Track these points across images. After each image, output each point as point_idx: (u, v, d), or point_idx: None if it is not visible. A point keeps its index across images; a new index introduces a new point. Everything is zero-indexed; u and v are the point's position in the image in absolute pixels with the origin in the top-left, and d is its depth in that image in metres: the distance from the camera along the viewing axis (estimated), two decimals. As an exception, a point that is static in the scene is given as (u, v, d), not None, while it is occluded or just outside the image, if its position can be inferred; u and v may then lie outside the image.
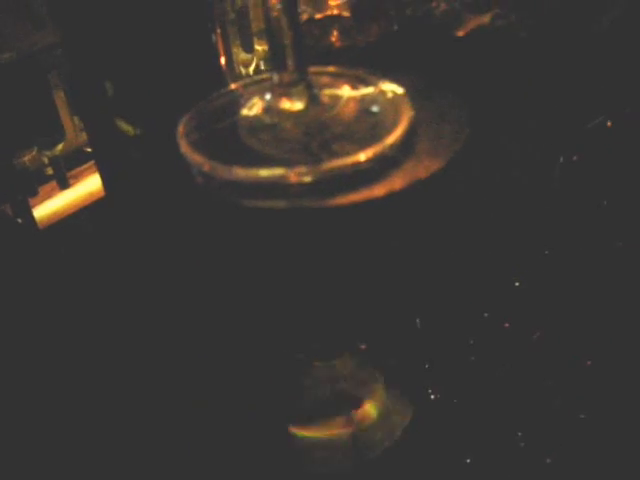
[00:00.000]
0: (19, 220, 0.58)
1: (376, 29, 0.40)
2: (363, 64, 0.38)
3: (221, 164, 0.32)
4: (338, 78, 0.37)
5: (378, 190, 0.30)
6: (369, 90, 0.36)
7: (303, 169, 0.30)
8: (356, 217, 0.31)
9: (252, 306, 0.40)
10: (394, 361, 0.48)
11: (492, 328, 0.49)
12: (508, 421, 0.42)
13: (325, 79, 0.37)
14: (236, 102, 0.37)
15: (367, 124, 0.34)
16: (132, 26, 0.38)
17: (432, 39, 0.39)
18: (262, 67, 0.60)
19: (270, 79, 0.36)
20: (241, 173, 0.31)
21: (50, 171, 0.60)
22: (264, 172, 0.31)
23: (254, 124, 0.35)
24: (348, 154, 0.31)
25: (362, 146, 0.31)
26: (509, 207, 0.59)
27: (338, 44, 0.42)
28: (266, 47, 0.59)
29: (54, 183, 0.60)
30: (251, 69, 0.61)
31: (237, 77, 0.58)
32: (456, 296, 0.52)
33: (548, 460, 0.40)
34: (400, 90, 0.36)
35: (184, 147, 0.34)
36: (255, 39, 0.61)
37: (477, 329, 0.49)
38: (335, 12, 0.46)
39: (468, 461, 0.40)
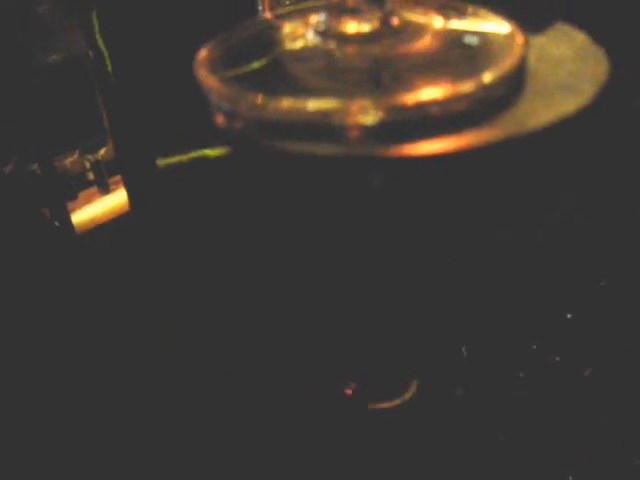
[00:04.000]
0: (57, 223, 0.57)
1: None
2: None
3: (258, 96, 0.23)
4: (427, 5, 0.29)
5: (471, 139, 0.22)
6: (464, 20, 0.28)
7: (368, 102, 0.22)
8: (435, 175, 0.24)
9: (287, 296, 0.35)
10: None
11: (541, 361, 0.47)
12: (558, 461, 0.40)
13: (406, 3, 0.29)
14: (276, 28, 0.29)
15: (459, 56, 0.26)
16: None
17: None
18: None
19: (321, 6, 0.27)
20: (278, 106, 0.23)
21: (92, 176, 0.60)
22: (312, 105, 0.22)
23: (303, 51, 0.27)
24: (434, 87, 0.22)
25: (453, 80, 0.23)
26: (564, 233, 0.56)
27: None
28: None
29: (94, 188, 0.60)
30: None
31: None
32: (504, 325, 0.49)
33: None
34: (506, 19, 0.27)
35: (204, 76, 0.26)
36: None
37: (526, 361, 0.46)
38: None
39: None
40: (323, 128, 0.22)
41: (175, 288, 0.51)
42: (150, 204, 0.47)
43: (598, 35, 0.26)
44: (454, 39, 0.26)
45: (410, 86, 0.23)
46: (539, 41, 0.26)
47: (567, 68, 0.25)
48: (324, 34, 0.26)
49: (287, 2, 0.59)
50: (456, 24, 0.27)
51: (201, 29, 0.30)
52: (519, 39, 0.24)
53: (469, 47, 0.26)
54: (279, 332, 0.40)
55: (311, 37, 0.27)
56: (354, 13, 0.25)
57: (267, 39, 0.28)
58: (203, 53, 0.27)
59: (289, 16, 0.29)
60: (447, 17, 0.27)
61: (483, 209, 0.38)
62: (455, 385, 0.47)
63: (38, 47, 0.56)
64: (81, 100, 0.57)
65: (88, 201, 0.59)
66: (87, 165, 0.60)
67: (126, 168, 0.47)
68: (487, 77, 0.23)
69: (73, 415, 0.45)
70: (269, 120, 0.23)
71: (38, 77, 0.56)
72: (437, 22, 0.26)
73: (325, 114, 0.22)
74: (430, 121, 0.22)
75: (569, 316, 0.51)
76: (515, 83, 0.23)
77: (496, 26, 0.26)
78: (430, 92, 0.22)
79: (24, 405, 0.46)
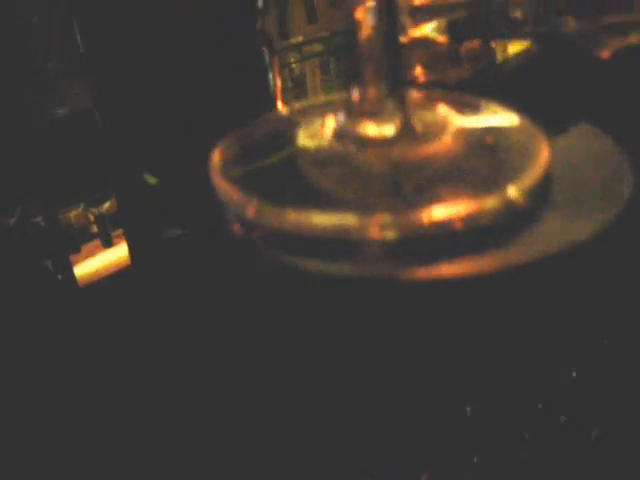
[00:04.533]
0: (59, 276, 0.57)
1: (479, 59, 0.32)
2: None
3: (269, 205, 0.23)
4: (441, 102, 0.28)
5: (495, 260, 0.21)
6: (483, 118, 0.27)
7: (388, 218, 0.21)
8: (457, 301, 0.23)
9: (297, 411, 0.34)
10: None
11: (547, 421, 0.46)
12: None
13: (422, 101, 0.28)
14: (292, 126, 0.28)
15: (480, 160, 0.25)
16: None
17: (561, 62, 0.30)
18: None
19: (343, 100, 0.26)
20: (293, 219, 0.22)
21: (95, 229, 0.60)
22: (328, 219, 0.21)
23: (319, 154, 0.26)
24: (458, 200, 0.21)
25: (478, 191, 0.22)
26: (567, 290, 0.56)
27: (422, 79, 0.33)
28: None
29: (98, 241, 0.60)
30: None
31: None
32: (509, 385, 0.49)
33: None
34: (527, 119, 0.26)
35: (219, 181, 0.25)
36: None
37: (530, 422, 0.46)
38: (424, 35, 0.36)
39: None
40: (337, 244, 0.21)
41: (176, 344, 0.51)
42: (152, 260, 0.47)
43: (623, 138, 0.26)
44: (474, 140, 0.25)
45: (431, 197, 0.22)
46: (561, 143, 0.25)
47: (592, 176, 0.24)
48: (342, 136, 0.25)
49: (292, 59, 0.60)
50: (474, 122, 0.26)
51: (213, 110, 0.30)
52: (544, 150, 0.23)
53: (490, 149, 0.25)
54: (278, 424, 0.39)
55: (329, 138, 0.25)
56: (373, 114, 0.24)
57: (283, 138, 0.27)
58: (216, 156, 0.26)
59: (306, 112, 0.28)
60: (462, 114, 0.26)
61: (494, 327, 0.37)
62: (459, 449, 0.46)
63: (45, 101, 0.56)
64: (86, 154, 0.57)
65: (91, 254, 0.59)
66: (91, 218, 0.60)
67: (128, 226, 0.47)
68: (512, 191, 0.22)
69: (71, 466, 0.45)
70: (291, 234, 0.22)
71: (44, 131, 0.56)
72: (456, 121, 0.26)
73: (340, 230, 0.21)
74: (451, 238, 0.21)
75: (574, 375, 0.51)
76: (539, 196, 0.22)
77: (516, 125, 0.25)
78: (453, 208, 0.21)
79: (25, 454, 0.45)
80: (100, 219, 0.59)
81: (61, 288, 0.57)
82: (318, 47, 0.60)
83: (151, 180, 0.36)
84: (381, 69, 0.23)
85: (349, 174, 0.24)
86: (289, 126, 0.27)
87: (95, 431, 0.47)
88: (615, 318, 0.51)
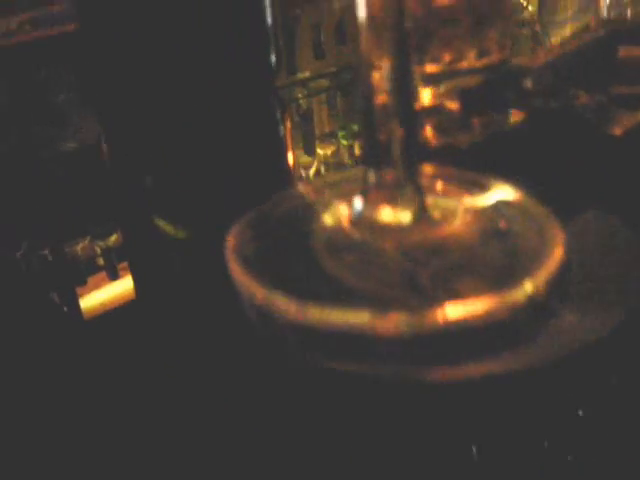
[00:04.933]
0: (65, 308, 0.57)
1: (489, 125, 0.31)
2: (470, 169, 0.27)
3: (281, 297, 0.22)
4: (452, 183, 0.28)
5: (513, 362, 0.21)
6: (497, 201, 0.26)
7: (403, 317, 0.20)
8: (476, 405, 0.22)
9: None
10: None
11: (553, 460, 0.46)
12: None
13: (434, 184, 0.27)
14: (308, 208, 0.27)
15: (498, 251, 0.24)
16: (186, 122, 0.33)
17: (573, 137, 0.30)
18: (322, 171, 0.59)
19: (361, 179, 0.25)
20: (305, 313, 0.21)
21: (101, 262, 0.60)
22: (340, 316, 0.20)
23: (335, 240, 0.25)
24: (475, 297, 0.20)
25: (495, 283, 0.21)
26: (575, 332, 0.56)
27: (434, 142, 0.33)
28: (328, 151, 0.57)
29: (104, 274, 0.60)
30: (311, 172, 0.60)
31: (297, 180, 0.56)
32: (515, 423, 0.48)
33: None
34: (541, 204, 0.25)
35: (234, 268, 0.24)
36: (317, 142, 0.60)
37: (537, 460, 0.45)
38: (436, 102, 0.36)
39: None
40: (350, 340, 0.20)
41: (180, 378, 0.50)
42: (157, 293, 0.46)
43: (636, 219, 0.25)
44: (489, 226, 0.25)
45: (448, 291, 0.21)
46: (575, 229, 0.25)
47: (607, 265, 0.24)
48: (358, 222, 0.25)
49: (299, 94, 0.61)
50: (488, 206, 0.26)
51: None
52: (560, 240, 0.23)
53: (505, 235, 0.24)
54: None
55: (344, 224, 0.25)
56: (390, 200, 0.24)
57: (298, 222, 0.26)
58: (231, 239, 0.25)
59: (322, 191, 0.28)
60: (475, 195, 0.26)
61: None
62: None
63: (54, 135, 0.57)
64: (93, 187, 0.57)
65: (97, 286, 0.59)
66: (97, 251, 0.60)
67: (134, 259, 0.47)
68: (530, 286, 0.21)
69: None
70: (292, 326, 0.21)
71: (53, 164, 0.56)
72: (469, 205, 0.26)
73: (353, 327, 0.20)
74: (467, 334, 0.20)
75: (580, 413, 0.50)
76: (557, 289, 0.22)
77: (530, 211, 0.25)
78: (470, 306, 0.20)
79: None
80: (106, 252, 0.59)
81: (67, 320, 0.57)
82: (325, 82, 0.60)
83: (179, 233, 0.35)
84: (398, 155, 0.23)
85: (365, 263, 0.23)
86: (305, 208, 0.26)
87: (97, 457, 0.47)
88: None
